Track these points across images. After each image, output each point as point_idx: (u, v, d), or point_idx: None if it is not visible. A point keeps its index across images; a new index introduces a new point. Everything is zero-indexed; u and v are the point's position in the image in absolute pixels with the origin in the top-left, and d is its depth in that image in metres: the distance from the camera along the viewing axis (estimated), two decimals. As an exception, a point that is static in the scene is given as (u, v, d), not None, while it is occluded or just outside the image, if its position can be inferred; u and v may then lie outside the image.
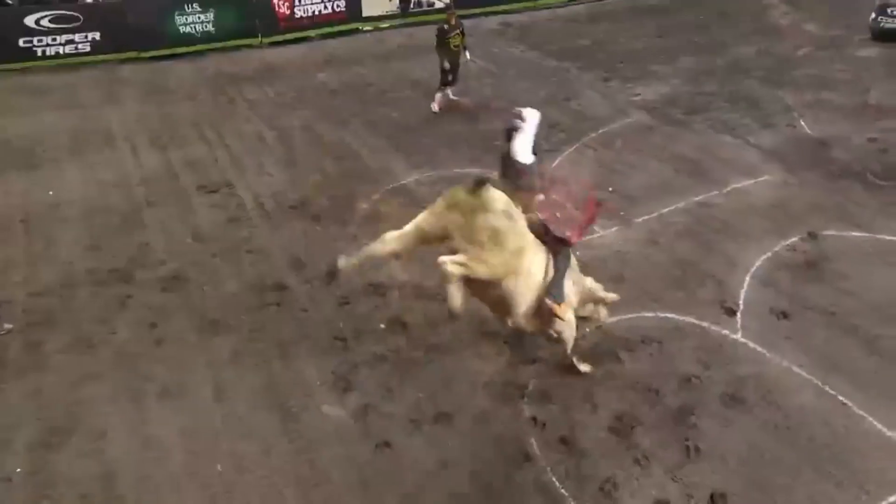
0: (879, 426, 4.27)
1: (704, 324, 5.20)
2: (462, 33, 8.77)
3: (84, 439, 4.25)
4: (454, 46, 8.72)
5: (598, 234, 6.28)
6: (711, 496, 3.89)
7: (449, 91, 8.95)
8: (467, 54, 8.77)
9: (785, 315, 5.26)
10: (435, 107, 8.82)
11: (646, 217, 6.61)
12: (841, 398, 4.47)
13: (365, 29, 12.73)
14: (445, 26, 8.72)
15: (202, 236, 6.28)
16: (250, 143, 8.16)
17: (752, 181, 7.12)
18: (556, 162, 7.63)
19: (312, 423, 4.38)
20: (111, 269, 5.89)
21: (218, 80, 10.30)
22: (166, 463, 4.10)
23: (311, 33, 12.24)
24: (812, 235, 6.14)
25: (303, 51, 11.58)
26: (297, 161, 7.75)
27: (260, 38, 11.89)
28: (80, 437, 4.27)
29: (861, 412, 4.37)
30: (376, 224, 6.62)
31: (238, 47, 11.59)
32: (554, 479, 4.03)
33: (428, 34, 9.54)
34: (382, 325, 5.22)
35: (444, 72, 8.74)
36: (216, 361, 4.84)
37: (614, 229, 6.42)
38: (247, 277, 5.75)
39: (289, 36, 12.03)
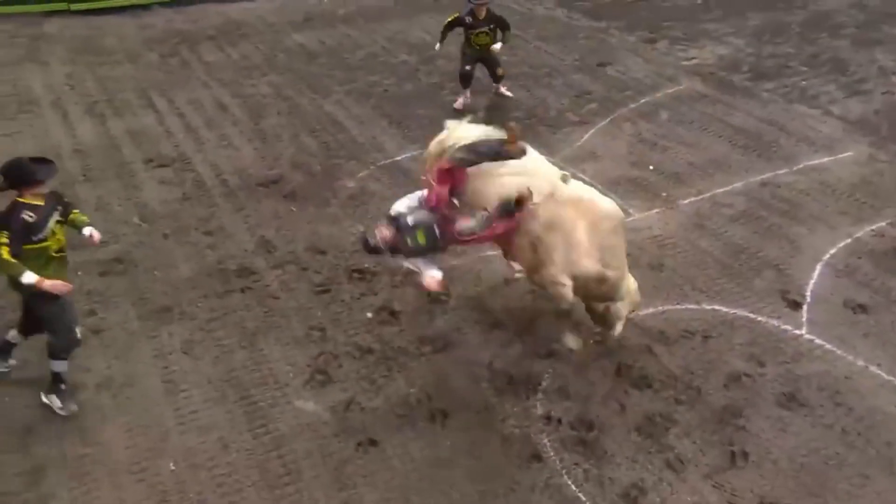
0: (973, 432, 4.70)
1: (760, 318, 5.69)
2: (494, 29, 8.61)
3: (9, 435, 4.77)
4: (478, 45, 8.68)
5: (633, 217, 6.85)
6: (760, 504, 4.33)
7: (501, 88, 9.09)
8: (498, 46, 8.69)
9: (863, 309, 5.75)
10: (458, 104, 8.91)
11: (693, 199, 7.18)
12: (927, 401, 4.92)
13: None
14: (468, 19, 8.57)
15: (151, 215, 6.90)
16: (209, 112, 8.86)
17: (831, 158, 7.71)
18: (585, 138, 8.29)
19: (283, 418, 4.88)
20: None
21: (168, 39, 11.09)
22: (106, 460, 4.60)
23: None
24: (906, 219, 6.67)
25: (275, 6, 12.43)
26: (268, 134, 8.40)
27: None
28: (4, 433, 4.78)
29: (952, 416, 4.81)
30: (363, 204, 7.30)
31: (193, 1, 12.43)
32: (569, 481, 4.49)
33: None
34: (369, 314, 5.75)
35: (463, 76, 8.82)
36: (166, 351, 5.38)
37: (654, 212, 6.98)
38: (205, 261, 6.32)
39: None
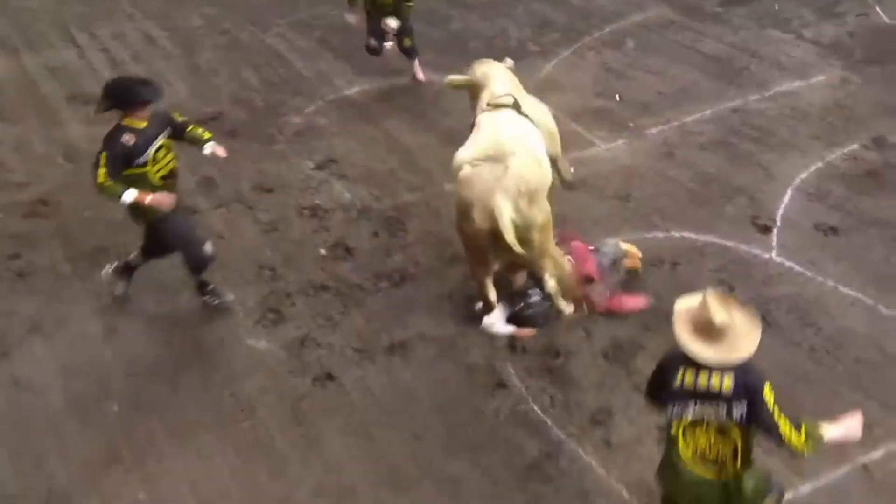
0: (944, 346, 5.07)
1: (730, 244, 5.98)
2: None
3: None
4: (381, 3, 7.81)
5: (600, 148, 7.08)
6: (728, 422, 4.62)
7: (416, 68, 8.19)
8: (392, 22, 7.78)
9: (834, 231, 6.08)
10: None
11: (662, 127, 7.43)
12: (898, 318, 5.28)
13: None
14: None
15: (77, 155, 6.89)
16: (136, 46, 8.81)
17: (803, 83, 8.01)
18: (548, 69, 8.45)
19: (233, 356, 5.05)
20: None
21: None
22: (44, 406, 4.70)
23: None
24: (877, 142, 7.01)
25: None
26: (203, 68, 8.39)
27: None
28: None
29: (921, 331, 5.17)
30: (312, 140, 7.38)
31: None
32: (536, 407, 4.74)
33: None
34: (322, 252, 5.92)
35: (369, 48, 8.06)
36: (103, 294, 5.45)
37: (620, 142, 7.22)
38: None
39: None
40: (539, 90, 8.12)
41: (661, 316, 5.35)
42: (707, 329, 3.22)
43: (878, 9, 9.25)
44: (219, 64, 8.47)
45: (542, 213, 4.95)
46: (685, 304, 3.36)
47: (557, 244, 5.31)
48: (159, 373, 4.91)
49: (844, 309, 5.36)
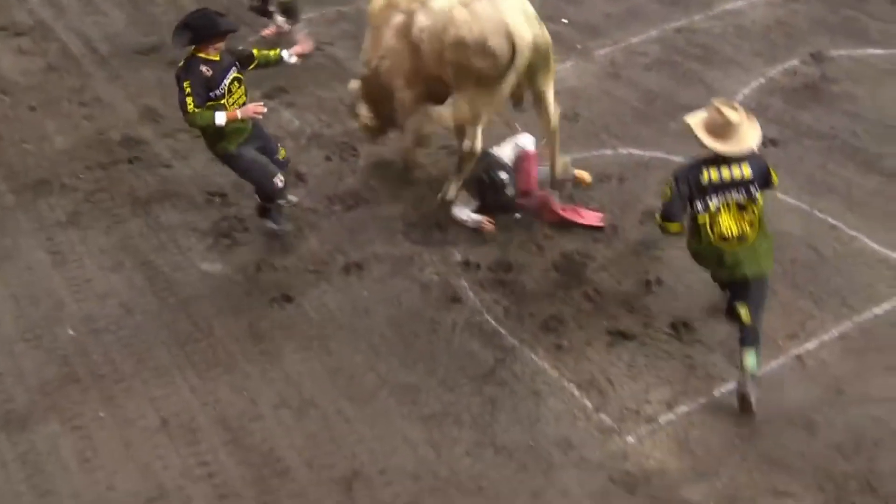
0: (873, 244, 5.37)
1: (675, 158, 6.13)
2: None
3: None
4: None
5: (549, 69, 7.14)
6: (673, 323, 4.87)
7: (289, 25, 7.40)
8: None
9: (774, 143, 6.28)
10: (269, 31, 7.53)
11: (608, 49, 7.53)
12: (832, 220, 5.56)
13: None
14: None
15: (11, 87, 6.79)
16: (68, -25, 8.49)
17: (745, 1, 8.14)
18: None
19: (188, 280, 5.12)
20: None
21: None
22: (-6, 331, 4.71)
23: None
24: (816, 57, 7.21)
25: None
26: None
27: None
28: None
29: (853, 232, 5.46)
30: (256, 70, 7.21)
31: None
32: (489, 318, 4.92)
33: None
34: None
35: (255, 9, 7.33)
36: (48, 224, 5.45)
37: (568, 64, 7.30)
38: (83, 133, 6.34)
39: None
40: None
41: (609, 228, 5.60)
42: (723, 129, 4.16)
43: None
44: (157, -8, 8.27)
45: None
46: (696, 117, 4.27)
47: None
48: (111, 297, 4.96)
49: (782, 214, 5.59)
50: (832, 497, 3.96)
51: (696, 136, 4.22)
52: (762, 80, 6.99)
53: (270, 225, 5.44)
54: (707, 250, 4.36)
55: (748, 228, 4.30)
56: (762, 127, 6.33)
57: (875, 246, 5.35)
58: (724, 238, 4.29)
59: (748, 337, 4.34)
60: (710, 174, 4.22)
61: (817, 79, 6.96)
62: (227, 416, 4.39)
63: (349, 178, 5.95)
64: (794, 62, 7.19)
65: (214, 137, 5.01)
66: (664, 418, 4.38)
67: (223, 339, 4.74)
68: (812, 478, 4.05)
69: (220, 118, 4.79)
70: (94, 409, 4.36)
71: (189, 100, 4.72)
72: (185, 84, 4.74)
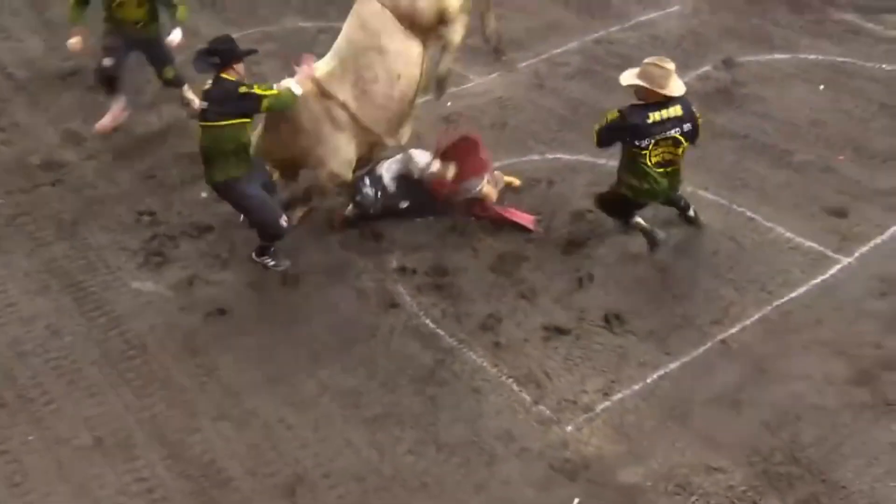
0: (788, 234, 5.69)
1: (600, 161, 6.39)
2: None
3: None
4: (123, 21, 6.22)
5: (474, 83, 7.35)
6: (605, 316, 5.05)
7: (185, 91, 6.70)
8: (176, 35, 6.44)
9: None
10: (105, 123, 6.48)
11: (532, 61, 7.80)
12: (749, 213, 5.87)
13: None
14: None
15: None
16: (-22, 6, 8.35)
17: (660, 13, 8.55)
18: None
19: (119, 300, 5.07)
20: None
21: None
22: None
23: None
24: (727, 63, 7.63)
25: None
26: (58, 24, 8.03)
27: None
28: None
29: (769, 224, 5.78)
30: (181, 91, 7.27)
31: None
32: (427, 321, 5.02)
33: None
34: (204, 194, 5.92)
35: (103, 77, 6.37)
36: (-32, 248, 5.29)
37: (494, 76, 7.52)
38: (2, 158, 6.22)
39: None
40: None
41: (541, 229, 5.77)
42: (663, 78, 5.14)
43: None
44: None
45: None
46: (631, 73, 5.28)
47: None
48: (38, 320, 4.89)
49: (702, 209, 5.87)
50: (760, 469, 4.17)
51: (641, 87, 5.15)
52: (678, 86, 7.38)
53: (270, 263, 5.39)
54: (642, 175, 5.22)
55: (677, 159, 5.29)
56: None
57: (789, 234, 5.67)
58: (659, 165, 5.20)
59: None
60: (654, 116, 5.13)
61: (728, 83, 7.36)
62: (165, 430, 4.35)
63: (282, 190, 5.98)
64: (707, 68, 7.58)
65: (222, 162, 5.02)
66: (600, 406, 4.54)
67: (157, 354, 4.71)
68: (741, 453, 4.25)
69: (296, 88, 5.12)
70: (22, 433, 4.26)
71: (261, 90, 4.96)
72: (245, 86, 4.93)
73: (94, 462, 4.17)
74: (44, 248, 5.42)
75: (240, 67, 5.12)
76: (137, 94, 6.88)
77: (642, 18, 8.42)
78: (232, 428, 4.39)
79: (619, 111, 5.26)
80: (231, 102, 4.92)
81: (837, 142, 6.58)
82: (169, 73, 6.58)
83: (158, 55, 6.48)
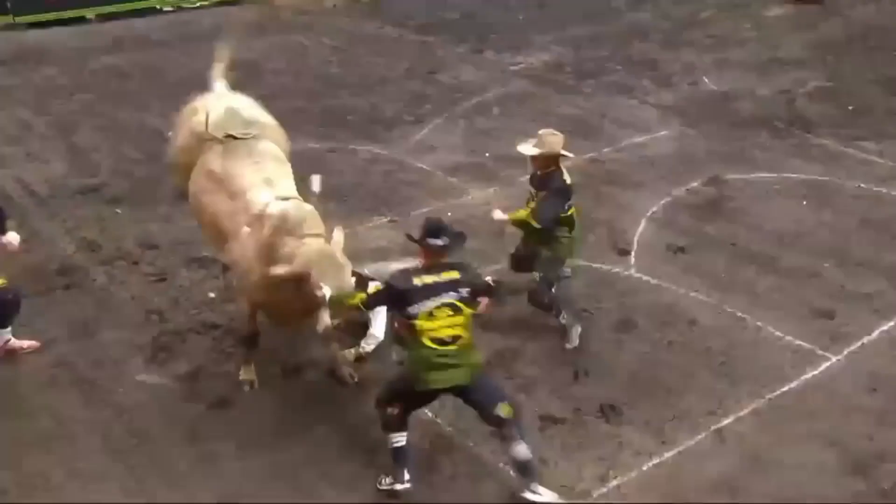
0: (777, 332, 5.92)
1: (595, 265, 6.75)
2: None
3: None
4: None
5: (475, 196, 7.82)
6: (601, 407, 5.19)
7: None
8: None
9: (683, 250, 7.00)
10: None
11: (528, 176, 8.26)
12: (739, 314, 6.13)
13: (165, 8, 14.25)
14: None
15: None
16: (10, 132, 9.07)
17: (649, 136, 9.20)
18: (422, 133, 9.28)
19: (124, 391, 5.24)
20: None
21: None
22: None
23: (88, 13, 13.52)
24: (713, 179, 8.16)
25: (80, 33, 12.71)
26: (83, 147, 8.73)
27: (13, 17, 13.00)
28: None
29: (759, 323, 6.03)
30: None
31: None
32: (427, 411, 5.08)
33: None
34: (212, 294, 6.25)
35: None
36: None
37: (492, 190, 7.99)
38: (19, 265, 6.44)
39: (54, 15, 13.16)
40: (415, 152, 8.99)
41: (539, 327, 5.98)
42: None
43: (705, 79, 10.88)
44: (99, 142, 8.83)
45: None
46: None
47: None
48: (41, 411, 5.05)
49: (695, 310, 6.16)
50: (758, 554, 4.21)
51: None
52: (669, 199, 7.83)
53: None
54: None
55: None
56: (672, 237, 7.26)
57: (779, 333, 5.91)
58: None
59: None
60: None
61: (717, 197, 7.85)
62: (164, 515, 4.42)
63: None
64: (695, 184, 8.10)
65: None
66: (597, 492, 4.61)
67: (160, 443, 4.82)
68: (738, 537, 4.31)
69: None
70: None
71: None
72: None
73: (93, 545, 4.22)
74: (54, 346, 5.63)
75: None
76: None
77: (633, 141, 9.07)
78: (231, 513, 4.45)
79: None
80: None
81: (822, 251, 6.95)
82: None
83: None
